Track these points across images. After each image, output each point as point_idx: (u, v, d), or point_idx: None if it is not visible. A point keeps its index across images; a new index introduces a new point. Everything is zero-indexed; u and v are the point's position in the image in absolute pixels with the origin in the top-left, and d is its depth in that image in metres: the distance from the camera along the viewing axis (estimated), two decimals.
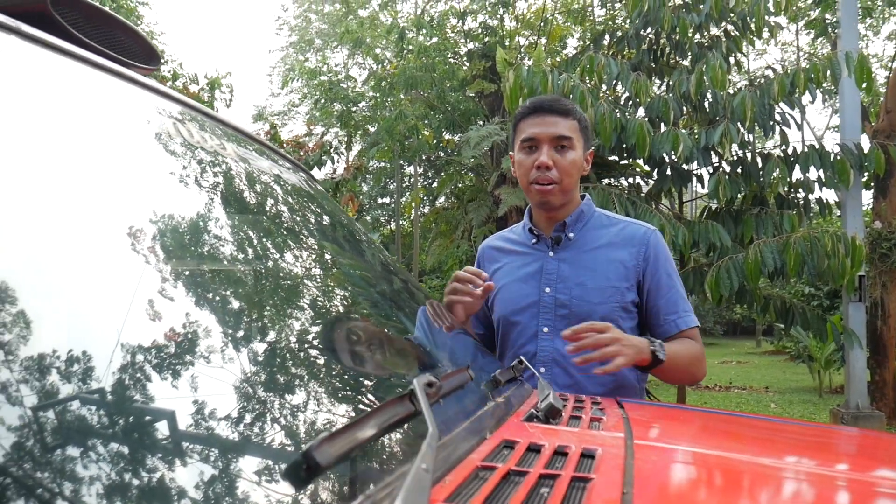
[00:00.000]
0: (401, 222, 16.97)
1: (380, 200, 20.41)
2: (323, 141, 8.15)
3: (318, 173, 7.29)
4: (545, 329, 1.77)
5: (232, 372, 0.64)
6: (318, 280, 1.11)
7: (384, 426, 0.62)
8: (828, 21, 6.81)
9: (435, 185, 11.38)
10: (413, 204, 10.78)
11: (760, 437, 1.08)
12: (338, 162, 10.72)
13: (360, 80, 10.53)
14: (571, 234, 1.83)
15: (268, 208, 1.17)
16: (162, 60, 1.23)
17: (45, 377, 0.47)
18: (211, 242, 0.88)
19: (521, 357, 1.31)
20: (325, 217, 1.45)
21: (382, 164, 11.44)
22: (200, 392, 0.59)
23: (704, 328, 24.52)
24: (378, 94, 8.00)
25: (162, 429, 0.53)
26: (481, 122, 7.52)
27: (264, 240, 1.06)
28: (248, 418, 0.61)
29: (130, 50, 1.14)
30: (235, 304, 0.80)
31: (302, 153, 7.01)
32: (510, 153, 1.92)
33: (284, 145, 7.02)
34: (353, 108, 8.61)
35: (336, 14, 13.45)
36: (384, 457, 0.66)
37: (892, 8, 9.36)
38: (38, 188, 0.65)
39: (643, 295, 1.79)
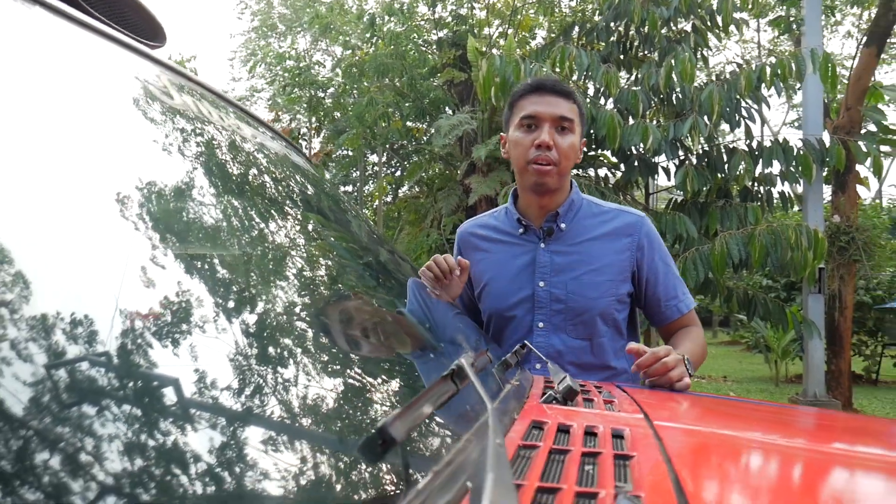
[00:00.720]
0: (364, 211, 16.90)
1: (343, 189, 20.28)
2: (290, 128, 8.06)
3: None
4: (540, 324, 1.71)
5: (231, 351, 0.62)
6: (316, 253, 1.09)
7: (438, 404, 0.63)
8: (791, 18, 6.94)
9: (399, 173, 11.34)
10: (380, 192, 10.74)
11: (764, 419, 1.11)
12: (305, 149, 10.62)
13: (327, 67, 10.44)
14: (563, 225, 1.75)
15: (269, 182, 1.15)
16: (167, 40, 1.20)
17: (31, 349, 0.44)
18: (204, 214, 0.86)
19: (526, 342, 1.30)
20: (314, 188, 1.42)
21: (347, 152, 11.37)
22: (185, 368, 0.55)
23: None
24: (346, 81, 7.92)
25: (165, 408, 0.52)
26: (451, 111, 7.50)
27: (256, 209, 1.04)
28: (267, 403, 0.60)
29: (137, 25, 1.11)
30: (232, 280, 0.78)
31: None
32: (502, 134, 1.84)
33: None
34: (322, 95, 8.53)
35: (298, 1, 13.28)
36: (445, 430, 0.66)
37: (853, 7, 9.60)
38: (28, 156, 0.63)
39: (640, 284, 1.76)
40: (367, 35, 7.64)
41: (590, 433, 0.81)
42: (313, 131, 10.29)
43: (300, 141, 7.27)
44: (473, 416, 0.72)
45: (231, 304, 0.68)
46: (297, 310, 0.83)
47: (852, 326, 7.74)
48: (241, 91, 20.99)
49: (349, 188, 20.24)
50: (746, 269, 5.77)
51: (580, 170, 7.67)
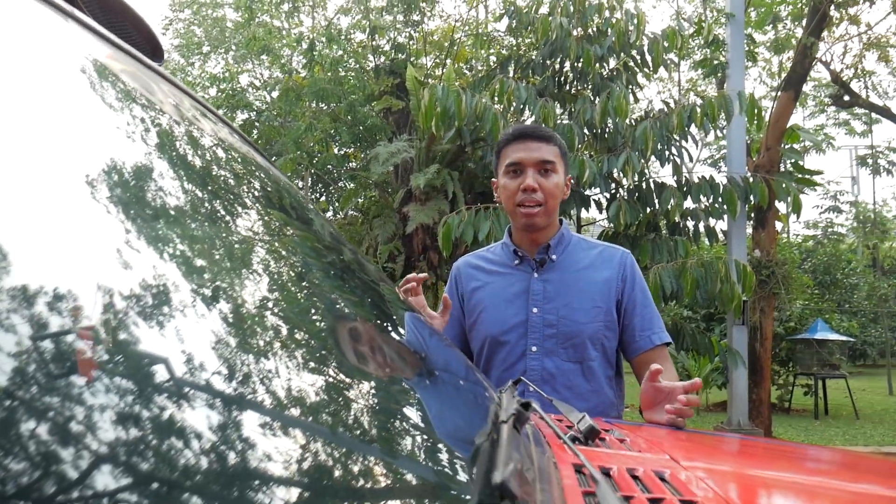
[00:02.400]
0: None
1: None
2: None
3: None
4: (533, 348, 1.81)
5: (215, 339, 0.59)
6: (282, 250, 1.05)
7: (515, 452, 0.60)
8: (716, 61, 7.26)
9: (324, 198, 11.21)
10: None
11: (775, 457, 1.11)
12: None
13: (259, 90, 10.26)
14: (555, 256, 1.89)
15: (232, 177, 1.10)
16: (164, 57, 1.14)
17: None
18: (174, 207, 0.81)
19: (521, 377, 1.29)
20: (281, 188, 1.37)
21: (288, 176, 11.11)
22: (133, 375, 0.50)
23: None
24: (283, 105, 7.81)
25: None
26: (387, 139, 7.49)
27: (223, 205, 0.99)
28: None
29: (136, 42, 1.05)
30: (193, 279, 0.72)
31: None
32: (493, 179, 1.99)
33: None
34: (255, 118, 8.37)
35: (225, 20, 13.06)
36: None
37: (775, 54, 10.18)
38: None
39: (620, 313, 1.86)
40: (306, 60, 7.58)
41: (632, 475, 0.79)
42: None
43: None
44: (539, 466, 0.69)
45: (192, 307, 0.62)
46: (262, 311, 0.78)
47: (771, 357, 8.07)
48: None
49: None
50: (677, 300, 5.94)
51: None
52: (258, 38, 7.65)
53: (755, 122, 5.74)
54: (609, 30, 6.85)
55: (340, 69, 7.55)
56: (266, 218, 1.09)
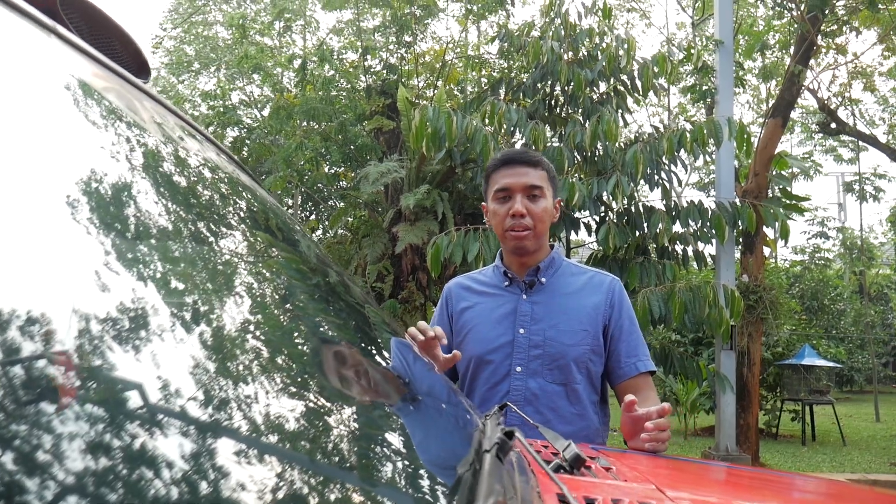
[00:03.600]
0: None
1: None
2: None
3: None
4: (518, 368, 1.81)
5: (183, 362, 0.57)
6: (266, 271, 1.03)
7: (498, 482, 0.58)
8: (706, 87, 7.33)
9: (314, 217, 11.19)
10: None
11: (760, 487, 1.10)
12: None
13: (252, 108, 10.25)
14: (544, 279, 1.91)
15: (217, 198, 1.09)
16: (151, 75, 1.13)
17: None
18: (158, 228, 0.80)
19: (507, 402, 1.28)
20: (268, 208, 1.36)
21: (278, 194, 11.13)
22: (117, 395, 0.50)
23: None
24: (274, 123, 7.81)
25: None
26: (378, 159, 7.50)
27: (208, 226, 0.98)
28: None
29: (122, 58, 1.04)
30: (177, 302, 0.71)
31: None
32: (483, 204, 2.01)
33: None
34: (246, 136, 8.36)
35: (216, 38, 13.08)
36: None
37: (763, 81, 10.29)
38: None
39: (607, 338, 1.87)
40: (298, 78, 7.60)
41: None
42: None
43: None
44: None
45: (175, 330, 0.61)
46: (245, 333, 0.77)
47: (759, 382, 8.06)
48: None
49: None
50: (665, 324, 5.95)
51: None
52: (250, 56, 7.67)
53: (744, 148, 5.77)
54: (599, 54, 6.92)
55: (332, 89, 7.57)
56: (250, 238, 1.07)
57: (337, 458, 0.62)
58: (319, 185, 9.07)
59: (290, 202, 14.05)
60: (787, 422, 11.18)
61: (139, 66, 1.07)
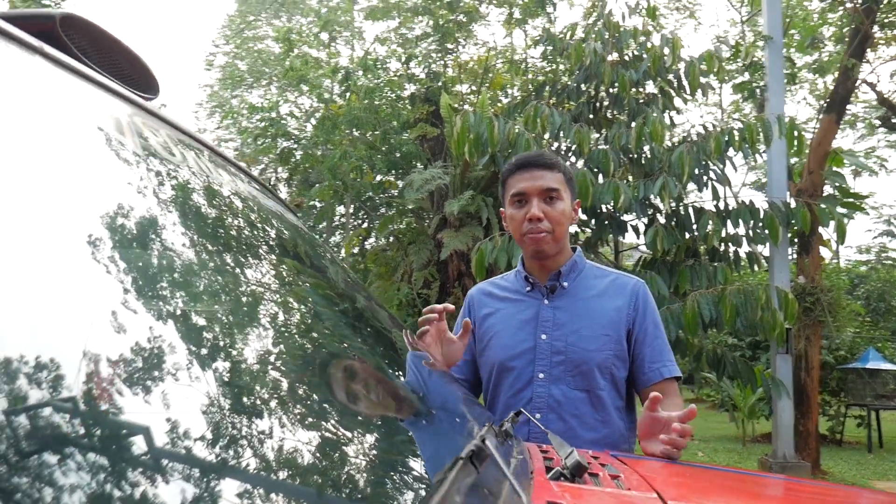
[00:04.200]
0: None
1: None
2: (262, 178, 7.97)
3: None
4: (541, 375, 1.77)
5: (204, 398, 0.58)
6: (292, 299, 1.04)
7: (464, 493, 0.57)
8: (755, 84, 7.15)
9: (366, 225, 11.31)
10: (352, 244, 10.69)
11: (777, 497, 1.06)
12: None
13: (300, 119, 10.45)
14: (566, 283, 1.87)
15: (255, 229, 1.10)
16: (159, 92, 1.16)
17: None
18: (195, 264, 0.81)
19: (522, 409, 1.26)
20: (295, 234, 1.39)
21: (315, 202, 11.32)
22: (151, 427, 0.51)
23: None
24: (319, 133, 7.92)
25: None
26: (423, 166, 7.53)
27: (245, 258, 1.00)
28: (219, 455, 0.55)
29: (130, 77, 1.06)
30: (206, 328, 0.73)
31: None
32: (502, 210, 1.97)
33: None
34: (294, 146, 8.52)
35: (268, 52, 13.36)
36: None
37: (814, 75, 9.98)
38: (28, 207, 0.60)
39: (631, 343, 1.82)
40: (342, 89, 7.70)
41: None
42: (283, 182, 10.32)
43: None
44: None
45: (205, 355, 0.64)
46: (273, 360, 0.78)
47: (818, 387, 7.79)
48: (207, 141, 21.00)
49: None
50: (716, 328, 5.81)
51: None
52: (295, 68, 7.80)
53: (795, 145, 5.60)
54: (644, 54, 6.82)
55: (375, 98, 7.64)
56: (258, 252, 1.08)
57: (301, 467, 0.62)
58: (370, 193, 9.17)
59: (341, 210, 14.26)
60: (852, 428, 10.79)
61: (148, 84, 1.09)
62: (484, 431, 0.72)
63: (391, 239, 8.21)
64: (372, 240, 11.21)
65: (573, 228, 7.48)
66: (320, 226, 16.08)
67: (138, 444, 0.46)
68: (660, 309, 5.47)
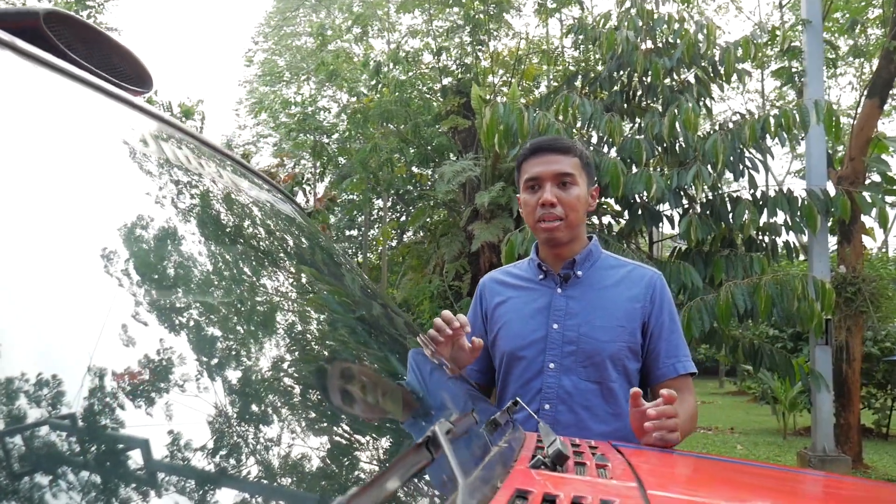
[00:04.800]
0: (368, 255, 16.85)
1: (347, 233, 20.29)
2: (295, 172, 8.08)
3: None
4: (551, 365, 1.75)
5: (217, 409, 0.59)
6: (303, 308, 1.05)
7: (408, 476, 0.57)
8: (794, 70, 6.98)
9: (404, 218, 11.36)
10: (383, 237, 10.75)
11: (773, 487, 1.04)
12: (309, 193, 10.62)
13: (332, 113, 10.54)
14: (580, 273, 1.83)
15: (262, 234, 1.11)
16: (154, 86, 1.18)
17: (15, 403, 0.43)
18: (200, 266, 0.82)
19: (518, 398, 1.25)
20: (315, 243, 1.40)
21: (353, 196, 11.43)
22: (182, 432, 0.53)
23: None
24: (351, 127, 7.98)
25: (134, 474, 0.48)
26: (454, 158, 7.53)
27: (257, 265, 1.01)
28: (223, 459, 0.56)
29: (123, 72, 1.08)
30: (215, 333, 0.75)
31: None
32: (518, 196, 1.94)
33: None
34: (326, 140, 8.60)
35: (306, 49, 13.48)
36: None
37: (855, 59, 9.69)
38: (18, 205, 0.60)
39: (646, 336, 1.79)
40: (373, 82, 7.74)
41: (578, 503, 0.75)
42: (317, 176, 10.43)
43: (304, 185, 7.27)
44: (448, 489, 0.66)
45: (223, 361, 0.66)
46: (288, 367, 0.79)
47: (861, 379, 7.59)
48: (248, 137, 21.26)
49: (354, 232, 20.29)
50: (752, 319, 5.70)
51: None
52: (326, 63, 7.85)
53: (833, 131, 5.46)
54: (678, 41, 6.71)
55: (406, 91, 7.66)
56: (252, 249, 1.09)
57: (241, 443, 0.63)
58: (410, 186, 9.22)
59: (379, 203, 14.34)
60: None
61: (141, 79, 1.11)
62: (444, 420, 0.72)
63: (424, 232, 8.23)
64: (410, 233, 11.27)
65: (606, 219, 7.42)
66: (359, 219, 16.21)
67: (155, 452, 0.49)
68: (693, 300, 5.42)
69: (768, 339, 11.17)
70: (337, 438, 0.73)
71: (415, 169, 8.91)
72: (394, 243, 13.15)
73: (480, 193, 6.41)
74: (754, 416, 13.27)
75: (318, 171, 9.93)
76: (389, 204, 12.68)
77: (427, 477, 0.63)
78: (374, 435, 0.76)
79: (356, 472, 0.64)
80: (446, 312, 1.64)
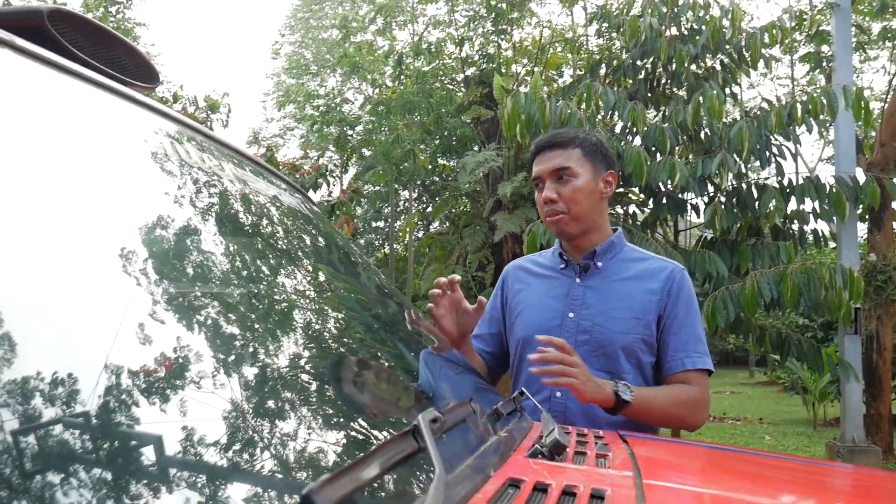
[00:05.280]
0: (395, 246, 16.90)
1: (374, 224, 20.35)
2: (319, 164, 8.13)
3: (313, 196, 7.28)
4: None
5: (223, 401, 0.61)
6: (314, 304, 1.07)
7: (388, 465, 0.58)
8: (822, 54, 6.86)
9: (430, 209, 11.38)
10: (408, 228, 10.80)
11: (777, 477, 1.04)
12: (333, 185, 10.68)
13: (356, 104, 10.58)
14: (600, 263, 1.85)
15: (264, 229, 1.13)
16: (161, 80, 1.20)
17: (32, 400, 0.44)
18: (206, 264, 0.84)
19: (524, 389, 1.27)
20: (321, 239, 1.42)
21: (378, 188, 11.49)
22: (188, 424, 0.55)
23: None
24: (374, 119, 8.00)
25: (146, 465, 0.49)
26: (477, 148, 7.52)
27: (260, 261, 1.02)
28: (238, 453, 0.57)
29: (129, 68, 1.10)
30: (229, 329, 0.77)
31: (297, 176, 6.99)
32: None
33: (280, 168, 7.00)
34: (350, 132, 8.64)
35: (330, 41, 13.54)
36: (389, 498, 0.61)
37: (885, 41, 9.47)
38: (28, 206, 0.62)
39: (659, 329, 1.79)
40: (395, 73, 7.75)
41: (568, 493, 0.76)
42: (342, 168, 10.50)
43: (328, 177, 7.31)
44: (422, 478, 0.67)
45: (239, 358, 0.68)
46: (303, 363, 0.81)
47: (892, 368, 7.47)
48: (275, 130, 21.41)
49: (381, 224, 20.36)
50: (779, 308, 5.63)
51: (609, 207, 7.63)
52: (349, 55, 7.88)
53: (862, 117, 5.35)
54: (703, 28, 6.61)
55: (427, 82, 7.66)
56: (240, 236, 1.11)
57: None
58: (435, 178, 9.23)
59: (405, 195, 14.37)
60: None
61: (147, 74, 1.14)
62: (431, 409, 0.73)
63: (447, 223, 8.24)
64: (436, 224, 11.28)
65: (630, 209, 7.36)
66: (386, 210, 16.25)
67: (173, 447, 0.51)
68: (718, 289, 5.36)
69: (798, 328, 11.03)
70: (329, 427, 0.74)
71: (442, 161, 8.92)
72: (420, 234, 13.18)
73: (503, 184, 6.40)
74: (784, 406, 13.13)
75: (342, 162, 10.00)
76: (415, 195, 12.71)
77: (410, 466, 0.65)
78: (362, 424, 0.78)
79: (341, 459, 0.65)
80: (439, 280, 1.69)
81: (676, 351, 1.77)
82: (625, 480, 0.85)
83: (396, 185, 9.14)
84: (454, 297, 1.67)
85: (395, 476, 0.61)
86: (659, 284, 1.80)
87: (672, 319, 1.78)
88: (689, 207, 6.49)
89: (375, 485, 0.55)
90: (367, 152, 9.12)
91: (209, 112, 7.17)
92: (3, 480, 0.40)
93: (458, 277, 1.70)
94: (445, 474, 0.53)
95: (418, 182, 9.18)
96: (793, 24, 7.00)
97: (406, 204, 14.96)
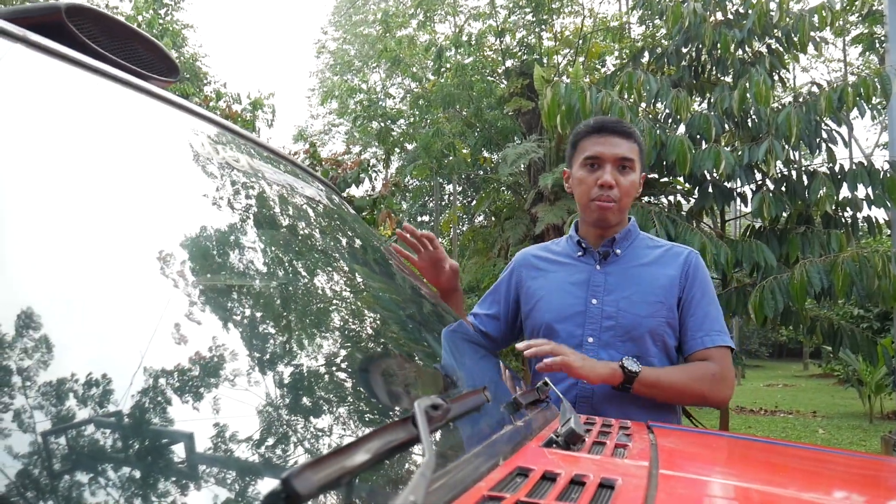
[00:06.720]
0: (440, 240, 16.93)
1: (419, 219, 20.46)
2: (361, 159, 8.18)
3: (356, 190, 7.34)
4: (590, 339, 1.78)
5: (260, 394, 0.62)
6: (347, 302, 1.07)
7: (379, 452, 0.58)
8: (875, 35, 6.63)
9: (473, 203, 11.38)
10: (451, 222, 10.82)
11: (800, 468, 1.01)
12: (376, 179, 10.72)
13: (398, 99, 10.63)
14: (619, 251, 1.86)
15: (295, 227, 1.14)
16: (182, 74, 1.22)
17: (67, 400, 0.46)
18: (234, 262, 0.85)
19: (547, 380, 1.25)
20: (355, 238, 1.43)
21: (421, 181, 11.53)
22: (228, 413, 0.57)
23: (749, 350, 23.90)
24: (415, 112, 8.03)
25: (164, 451, 0.51)
26: (518, 140, 7.48)
27: (291, 260, 1.04)
28: (269, 443, 0.59)
29: (150, 63, 1.12)
30: (262, 326, 0.78)
31: (340, 171, 7.05)
32: (564, 168, 1.98)
33: (323, 163, 7.07)
34: (392, 126, 8.68)
35: (373, 36, 13.62)
36: (376, 485, 0.61)
37: None
38: (50, 203, 0.63)
39: (679, 311, 1.81)
40: (435, 67, 7.75)
41: (577, 482, 0.75)
42: (383, 162, 10.56)
43: (370, 171, 7.34)
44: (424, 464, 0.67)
45: (274, 355, 0.70)
46: (338, 360, 0.82)
47: None
48: (319, 126, 21.65)
49: (426, 218, 20.44)
50: (830, 298, 5.48)
51: (652, 197, 7.51)
52: (389, 49, 7.91)
53: None
54: (749, 11, 6.45)
55: (467, 74, 7.64)
56: (264, 236, 1.12)
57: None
58: (480, 171, 9.23)
59: (449, 188, 14.40)
60: None
61: (168, 68, 1.16)
62: (443, 396, 0.73)
63: (489, 215, 8.22)
64: (481, 217, 11.28)
65: (673, 198, 7.24)
66: (430, 204, 16.30)
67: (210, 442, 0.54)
68: (766, 279, 5.24)
69: (852, 319, 10.72)
70: (335, 409, 0.75)
71: (487, 153, 8.91)
72: (464, 228, 13.18)
73: (544, 175, 6.36)
74: (839, 399, 12.77)
75: (384, 157, 10.06)
76: (459, 189, 12.69)
77: (405, 453, 0.65)
78: (364, 408, 0.78)
79: (337, 443, 0.66)
80: (406, 225, 1.92)
81: (695, 331, 1.78)
82: (638, 470, 0.83)
83: (440, 179, 9.15)
84: (434, 255, 1.86)
85: (385, 464, 0.61)
86: (676, 269, 1.82)
87: (690, 301, 1.80)
88: (735, 196, 6.35)
89: (363, 471, 0.55)
90: (409, 146, 9.16)
91: (253, 110, 7.28)
92: (40, 477, 0.41)
93: (432, 235, 1.90)
94: (434, 462, 0.53)
95: (462, 175, 9.17)
96: (843, 4, 6.78)
97: (451, 198, 14.99)
